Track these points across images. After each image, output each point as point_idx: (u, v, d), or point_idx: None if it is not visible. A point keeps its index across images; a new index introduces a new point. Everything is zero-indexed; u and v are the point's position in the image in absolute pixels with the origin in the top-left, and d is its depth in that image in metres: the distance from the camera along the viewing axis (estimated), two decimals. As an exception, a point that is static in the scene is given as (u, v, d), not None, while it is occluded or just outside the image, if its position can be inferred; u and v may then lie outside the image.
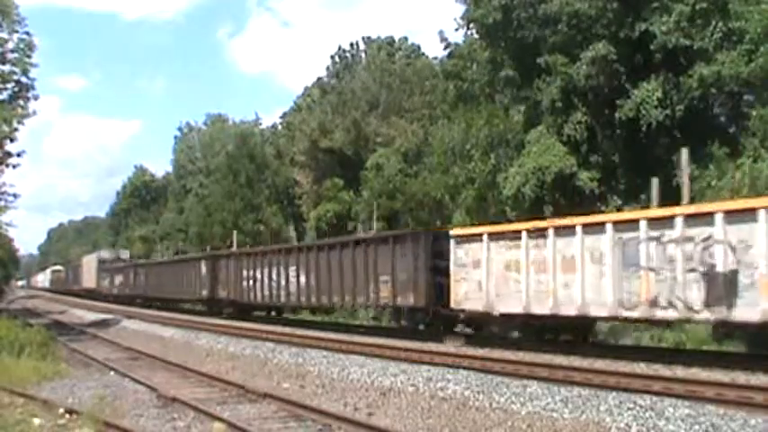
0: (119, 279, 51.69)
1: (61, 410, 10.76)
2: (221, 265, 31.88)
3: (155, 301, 42.96)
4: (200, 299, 34.41)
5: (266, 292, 27.15)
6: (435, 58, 44.81)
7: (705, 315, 12.53)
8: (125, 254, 64.85)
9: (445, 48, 30.28)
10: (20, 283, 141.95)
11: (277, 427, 10.06)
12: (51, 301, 66.47)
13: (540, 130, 24.66)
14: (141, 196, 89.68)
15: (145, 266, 47.36)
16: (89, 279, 62.44)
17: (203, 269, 33.36)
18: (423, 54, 47.76)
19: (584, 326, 16.33)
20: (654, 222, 13.46)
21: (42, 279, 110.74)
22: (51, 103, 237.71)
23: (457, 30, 27.69)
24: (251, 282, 28.38)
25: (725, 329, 13.62)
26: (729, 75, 20.40)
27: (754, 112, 20.09)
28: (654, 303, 13.21)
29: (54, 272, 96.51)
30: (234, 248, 39.58)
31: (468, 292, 17.19)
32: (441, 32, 29.23)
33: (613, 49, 22.57)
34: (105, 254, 64.09)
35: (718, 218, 12.36)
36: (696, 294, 12.55)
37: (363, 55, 48.92)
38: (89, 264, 64.81)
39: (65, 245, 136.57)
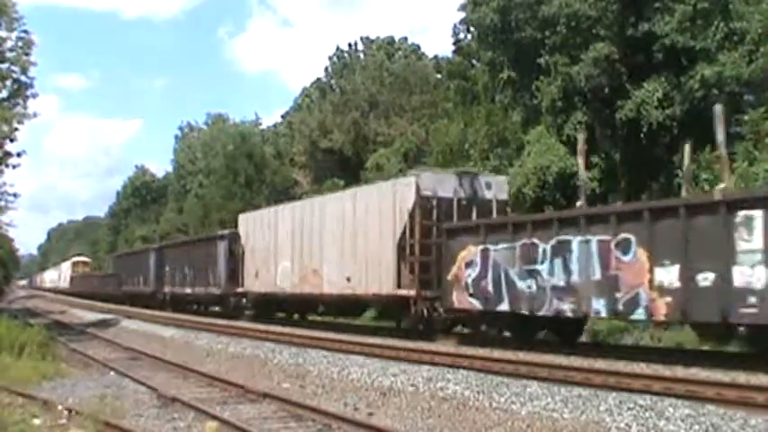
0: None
1: (61, 410, 10.75)
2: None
3: None
4: None
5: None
6: (435, 57, 44.94)
7: None
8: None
9: (455, 42, 30.50)
10: (22, 282, 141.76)
11: (277, 427, 10.05)
12: (52, 302, 66.41)
13: (540, 130, 24.68)
14: (141, 196, 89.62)
15: None
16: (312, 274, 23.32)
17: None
18: (423, 54, 47.78)
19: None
20: None
21: (55, 277, 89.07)
22: (51, 102, 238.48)
23: (457, 35, 27.85)
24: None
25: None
26: (731, 75, 20.38)
27: (746, 117, 20.02)
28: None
29: (77, 264, 75.29)
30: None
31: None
32: (454, 27, 29.42)
33: (615, 50, 22.57)
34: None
35: None
36: None
37: (362, 55, 48.89)
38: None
39: (65, 245, 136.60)
